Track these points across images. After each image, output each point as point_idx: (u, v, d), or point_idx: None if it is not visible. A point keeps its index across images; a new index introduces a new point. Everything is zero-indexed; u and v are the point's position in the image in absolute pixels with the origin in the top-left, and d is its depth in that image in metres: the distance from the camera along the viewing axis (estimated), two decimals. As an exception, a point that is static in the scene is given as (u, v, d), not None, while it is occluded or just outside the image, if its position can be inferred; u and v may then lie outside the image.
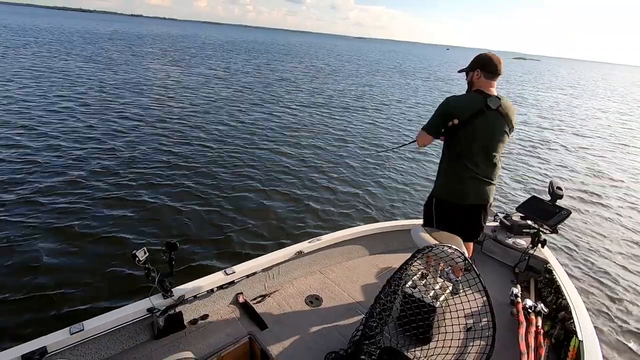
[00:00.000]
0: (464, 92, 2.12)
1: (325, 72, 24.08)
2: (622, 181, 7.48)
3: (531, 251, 2.68)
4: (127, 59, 20.05)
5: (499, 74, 2.00)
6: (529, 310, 2.17)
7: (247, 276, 2.23)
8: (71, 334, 1.64)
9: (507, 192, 6.21)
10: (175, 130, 7.84)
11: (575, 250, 4.58)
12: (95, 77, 13.56)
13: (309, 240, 2.59)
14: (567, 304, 2.16)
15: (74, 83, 11.99)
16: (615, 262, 4.41)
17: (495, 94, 2.01)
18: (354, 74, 24.12)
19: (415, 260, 1.71)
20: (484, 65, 1.98)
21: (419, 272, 2.10)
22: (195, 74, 17.02)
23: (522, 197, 5.81)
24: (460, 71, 2.16)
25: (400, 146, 3.30)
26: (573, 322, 1.99)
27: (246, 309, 2.14)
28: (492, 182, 2.11)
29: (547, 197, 2.84)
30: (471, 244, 2.39)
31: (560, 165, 8.15)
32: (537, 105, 17.79)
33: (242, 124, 9.00)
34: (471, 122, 1.97)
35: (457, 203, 2.13)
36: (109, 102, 9.91)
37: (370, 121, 10.78)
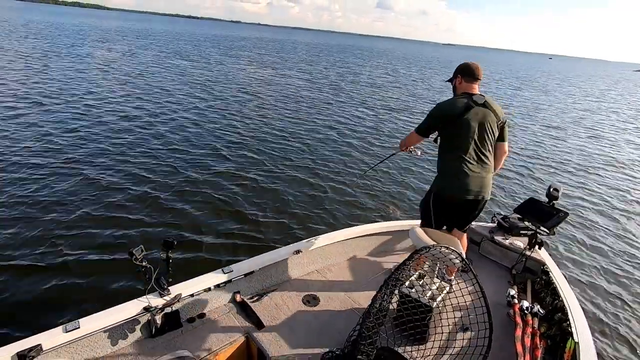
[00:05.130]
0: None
1: (409, 79, 23.11)
2: (625, 182, 7.50)
3: (528, 252, 2.69)
4: (222, 59, 22.94)
5: (478, 79, 2.24)
6: (526, 311, 2.18)
7: (245, 275, 2.23)
8: (67, 332, 1.64)
9: (507, 194, 6.22)
10: (174, 128, 7.83)
11: (572, 252, 4.59)
12: (192, 74, 15.54)
13: (307, 239, 2.59)
14: (564, 305, 2.17)
15: (175, 79, 13.86)
16: (611, 264, 4.42)
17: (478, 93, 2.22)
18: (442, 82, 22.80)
19: (413, 261, 1.71)
20: (464, 72, 2.25)
21: (417, 273, 2.11)
22: (274, 75, 18.08)
23: (523, 198, 5.80)
24: (447, 81, 2.40)
25: (382, 161, 3.32)
26: (569, 323, 2.00)
27: (243, 307, 2.14)
28: (488, 174, 2.23)
29: (545, 199, 2.84)
30: (464, 237, 2.45)
31: (567, 168, 8.12)
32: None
33: (273, 121, 9.20)
34: (462, 118, 2.15)
35: (455, 196, 2.23)
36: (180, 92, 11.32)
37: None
